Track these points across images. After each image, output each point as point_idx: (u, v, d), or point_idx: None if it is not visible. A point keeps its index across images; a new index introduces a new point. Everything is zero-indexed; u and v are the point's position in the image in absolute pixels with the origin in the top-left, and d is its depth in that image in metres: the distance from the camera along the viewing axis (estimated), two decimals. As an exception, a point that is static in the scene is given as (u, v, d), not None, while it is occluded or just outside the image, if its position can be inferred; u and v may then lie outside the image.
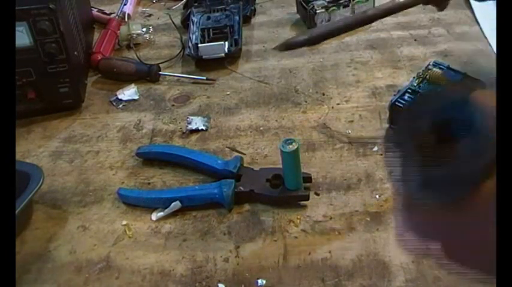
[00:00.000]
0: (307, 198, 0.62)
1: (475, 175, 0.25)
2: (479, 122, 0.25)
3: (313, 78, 0.81)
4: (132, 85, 0.82)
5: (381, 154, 0.67)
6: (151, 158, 0.70)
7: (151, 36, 0.92)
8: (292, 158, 0.59)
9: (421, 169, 0.27)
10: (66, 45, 0.72)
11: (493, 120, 0.26)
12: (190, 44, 0.85)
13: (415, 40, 0.86)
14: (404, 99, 0.67)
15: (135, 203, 0.64)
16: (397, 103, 0.67)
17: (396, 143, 0.28)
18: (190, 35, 0.87)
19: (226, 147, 0.71)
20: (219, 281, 0.56)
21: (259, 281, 0.56)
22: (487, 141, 0.25)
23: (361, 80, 0.79)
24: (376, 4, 0.89)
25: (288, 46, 0.57)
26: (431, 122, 0.27)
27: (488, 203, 0.26)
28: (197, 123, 0.74)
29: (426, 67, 0.71)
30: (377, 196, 0.62)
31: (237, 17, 0.89)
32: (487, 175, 0.26)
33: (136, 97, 0.80)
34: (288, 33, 0.90)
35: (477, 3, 0.90)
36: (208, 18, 0.90)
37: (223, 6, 0.92)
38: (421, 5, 0.92)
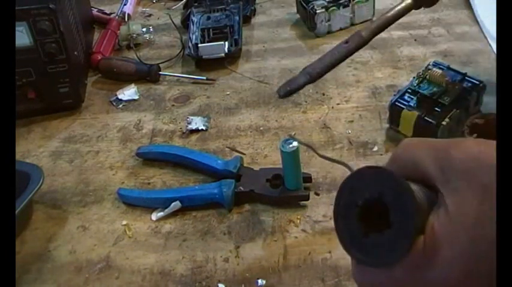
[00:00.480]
0: (307, 198, 0.62)
1: (407, 237, 0.30)
2: (401, 195, 0.30)
3: (313, 78, 0.81)
4: (132, 85, 0.82)
5: (381, 154, 0.67)
6: (151, 158, 0.70)
7: (151, 36, 0.92)
8: (292, 158, 0.59)
9: (362, 237, 0.31)
10: (66, 45, 0.72)
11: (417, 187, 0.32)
12: (190, 44, 0.85)
13: (415, 40, 0.86)
14: (404, 99, 0.67)
15: (135, 203, 0.64)
16: (397, 103, 0.67)
17: (338, 215, 0.33)
18: (190, 35, 0.87)
19: (226, 147, 0.71)
20: (219, 281, 0.56)
21: (259, 281, 0.56)
22: (411, 209, 0.30)
23: (361, 80, 0.79)
24: (377, 5, 0.90)
25: (290, 91, 0.57)
26: (366, 198, 0.31)
27: (423, 256, 0.30)
28: (197, 123, 0.74)
29: (426, 67, 0.71)
30: (377, 196, 0.62)
31: (237, 17, 0.89)
32: (417, 233, 0.30)
33: (136, 97, 0.81)
34: (288, 33, 0.90)
35: (477, 2, 0.90)
36: (208, 18, 0.90)
37: (223, 6, 0.92)
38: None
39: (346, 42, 0.59)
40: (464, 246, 0.29)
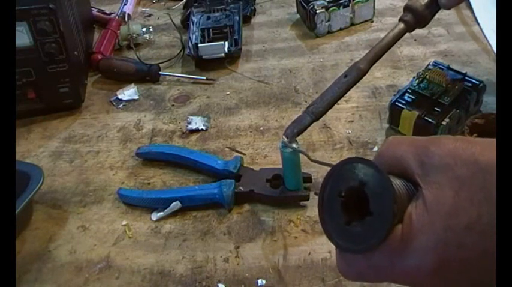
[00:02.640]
0: (307, 198, 0.62)
1: (384, 223, 0.31)
2: (380, 184, 0.32)
3: (313, 78, 0.81)
4: (132, 85, 0.82)
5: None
6: (151, 158, 0.70)
7: (151, 36, 0.92)
8: (292, 159, 0.59)
9: (344, 225, 0.33)
10: (66, 45, 0.72)
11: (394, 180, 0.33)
12: (190, 44, 0.85)
13: (415, 40, 0.86)
14: (404, 99, 0.67)
15: (135, 203, 0.64)
16: (397, 103, 0.67)
17: (322, 205, 0.34)
18: (190, 35, 0.87)
19: (226, 147, 0.71)
20: (219, 281, 0.56)
21: (259, 281, 0.56)
22: (389, 199, 0.31)
23: (361, 80, 0.79)
24: (377, 5, 0.90)
25: (298, 133, 0.58)
26: (348, 187, 0.33)
27: (400, 243, 0.32)
28: (197, 123, 0.74)
29: (426, 67, 0.71)
30: (377, 196, 0.62)
31: (237, 17, 0.89)
32: (393, 223, 0.32)
33: (136, 97, 0.81)
34: (288, 33, 0.90)
35: (477, 2, 0.90)
36: (208, 18, 0.90)
37: (223, 6, 0.92)
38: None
39: (345, 76, 0.60)
40: (439, 234, 0.30)
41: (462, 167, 0.31)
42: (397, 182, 0.33)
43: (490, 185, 0.30)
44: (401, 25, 0.62)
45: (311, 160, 0.54)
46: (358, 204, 0.32)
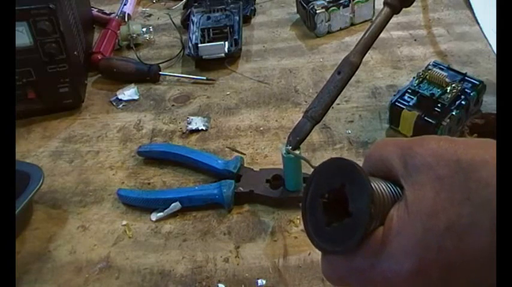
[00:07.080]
0: (307, 199, 0.62)
1: (362, 224, 0.31)
2: (359, 185, 0.31)
3: (313, 78, 0.81)
4: (132, 85, 0.82)
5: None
6: (152, 157, 0.70)
7: (151, 36, 0.92)
8: (293, 162, 0.59)
9: (325, 227, 0.32)
10: (66, 45, 0.72)
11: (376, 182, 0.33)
12: (190, 44, 0.85)
13: (415, 40, 0.86)
14: (404, 99, 0.67)
15: (135, 203, 0.64)
16: (397, 103, 0.67)
17: (305, 207, 0.34)
18: (190, 35, 0.87)
19: (226, 147, 0.71)
20: (219, 281, 0.56)
21: (259, 281, 0.56)
22: (366, 200, 0.31)
23: (361, 80, 0.79)
24: (376, 5, 0.90)
25: (300, 141, 0.57)
26: (330, 188, 0.33)
27: (380, 245, 0.31)
28: (197, 123, 0.74)
29: (426, 67, 0.71)
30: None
31: (237, 17, 0.89)
32: (370, 224, 0.31)
33: (136, 97, 0.80)
34: (288, 33, 0.90)
35: (477, 2, 0.90)
36: (208, 18, 0.90)
37: (223, 6, 0.92)
38: (419, 5, 0.93)
39: (339, 73, 0.58)
40: (418, 235, 0.30)
41: (444, 167, 0.30)
42: (380, 184, 0.33)
43: (472, 185, 0.29)
44: (387, 9, 0.60)
45: (313, 167, 0.53)
46: (340, 205, 0.32)
